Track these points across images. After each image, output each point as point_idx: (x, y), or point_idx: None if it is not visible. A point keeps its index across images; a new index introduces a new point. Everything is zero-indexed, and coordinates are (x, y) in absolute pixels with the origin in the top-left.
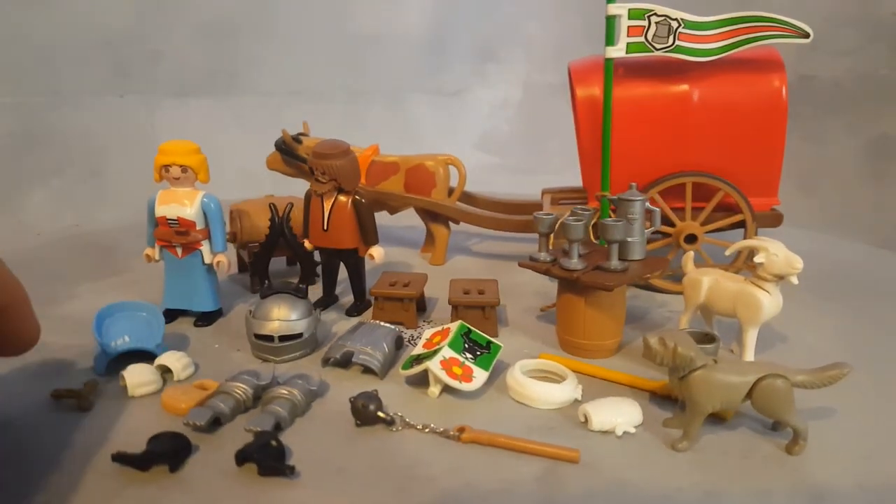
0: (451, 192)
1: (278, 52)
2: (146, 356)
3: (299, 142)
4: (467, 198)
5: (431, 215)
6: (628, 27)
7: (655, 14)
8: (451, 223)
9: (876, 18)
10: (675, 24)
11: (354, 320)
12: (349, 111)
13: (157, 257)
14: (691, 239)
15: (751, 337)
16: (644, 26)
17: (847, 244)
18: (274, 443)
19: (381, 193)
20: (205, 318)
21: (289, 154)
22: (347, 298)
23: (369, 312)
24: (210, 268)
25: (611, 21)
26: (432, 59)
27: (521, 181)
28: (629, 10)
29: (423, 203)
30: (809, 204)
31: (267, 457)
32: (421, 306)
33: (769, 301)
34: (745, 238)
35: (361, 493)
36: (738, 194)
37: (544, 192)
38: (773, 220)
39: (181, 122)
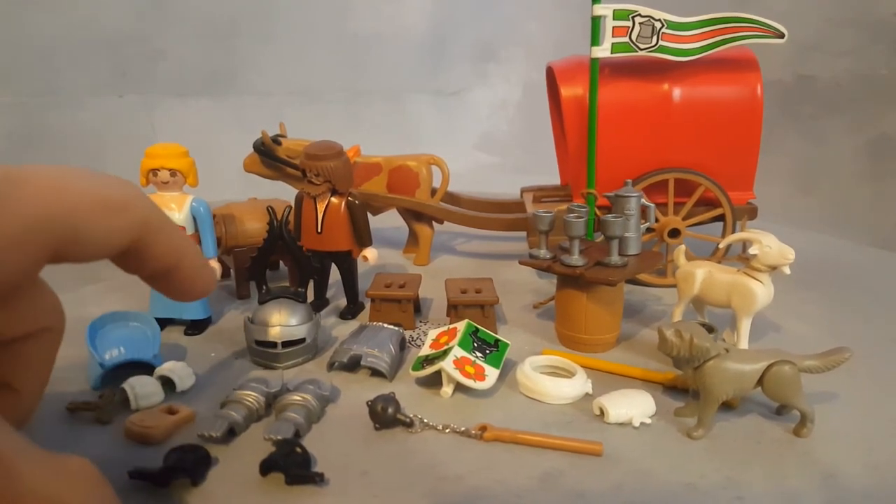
0: (434, 192)
1: (278, 52)
2: (141, 367)
3: (278, 143)
4: (450, 197)
5: (415, 215)
6: (613, 28)
7: (639, 15)
8: (434, 223)
9: (876, 18)
10: (658, 25)
11: (351, 323)
12: (349, 111)
13: None
14: (674, 233)
15: (745, 326)
16: (628, 27)
17: (843, 243)
18: (298, 450)
19: (364, 194)
20: (195, 327)
21: (268, 156)
22: (337, 301)
23: (364, 314)
24: None
25: (596, 22)
26: (432, 59)
27: (520, 181)
28: (614, 10)
29: (407, 203)
30: (809, 203)
31: (293, 465)
32: (416, 307)
33: (763, 291)
34: (723, 231)
35: (392, 495)
36: (718, 189)
37: (524, 191)
38: (749, 213)
39: (181, 122)
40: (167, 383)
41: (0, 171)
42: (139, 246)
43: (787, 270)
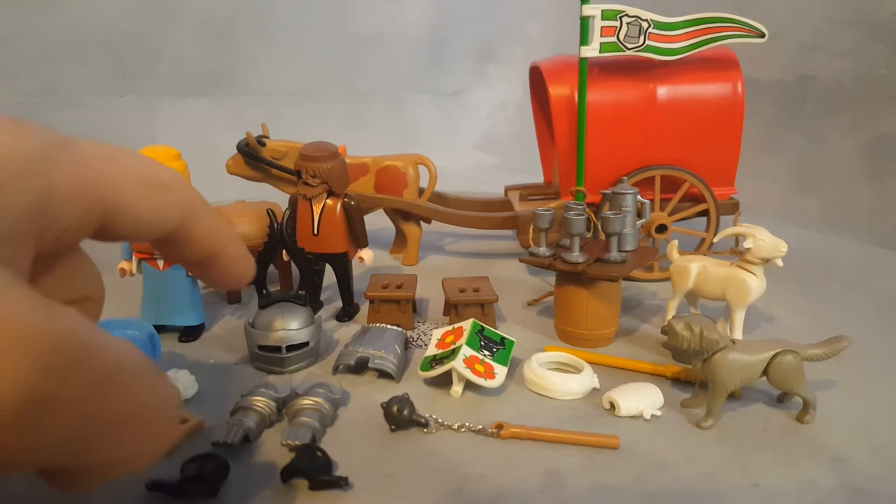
0: (421, 192)
1: (278, 52)
2: None
3: (262, 144)
4: (437, 197)
5: (403, 215)
6: (601, 27)
7: (627, 15)
8: (422, 223)
9: (876, 18)
10: (645, 25)
11: (349, 325)
12: (349, 111)
13: (134, 271)
14: (661, 229)
15: (739, 317)
16: (616, 27)
17: (843, 242)
18: (319, 454)
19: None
20: (189, 333)
21: (252, 157)
22: (330, 304)
23: (360, 316)
24: (193, 280)
25: (585, 22)
26: (432, 59)
27: (520, 181)
28: (602, 11)
29: (396, 203)
30: (809, 203)
31: (316, 470)
32: (413, 307)
33: (756, 283)
34: (707, 226)
35: (420, 496)
36: (703, 185)
37: (508, 189)
38: (731, 208)
39: (181, 122)
40: None
41: (59, 135)
42: (183, 229)
43: (779, 263)
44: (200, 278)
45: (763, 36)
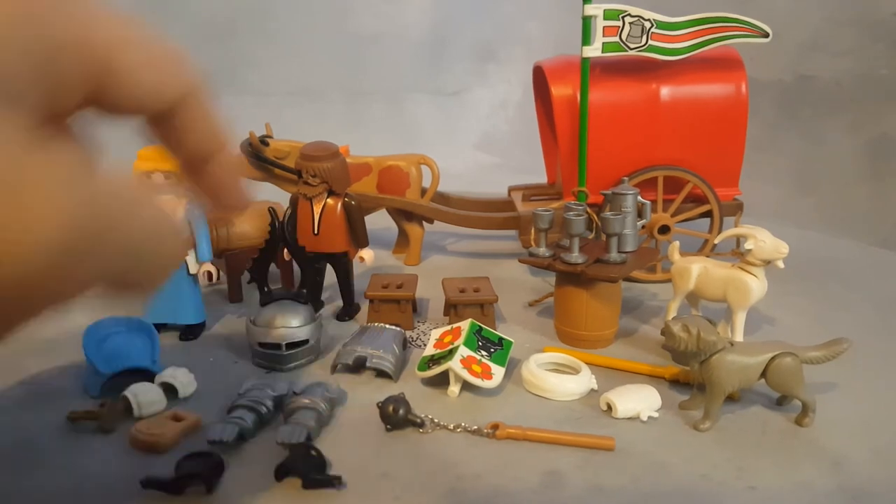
0: (423, 191)
1: (278, 52)
2: (140, 374)
3: (266, 144)
4: (440, 197)
5: (405, 215)
6: (604, 27)
7: (629, 15)
8: (424, 223)
9: (876, 18)
10: (647, 25)
11: (349, 325)
12: (349, 111)
13: None
14: (664, 230)
15: (740, 319)
16: (618, 27)
17: (843, 242)
18: (314, 453)
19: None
20: (190, 332)
21: (256, 157)
22: (331, 304)
23: (360, 316)
24: (195, 278)
25: (587, 21)
26: (432, 59)
27: (520, 181)
28: (604, 10)
29: (398, 203)
30: (809, 203)
31: (310, 469)
32: (413, 307)
33: (758, 285)
34: (710, 227)
35: (415, 496)
36: (706, 186)
37: (511, 190)
38: (734, 209)
39: None
40: (169, 390)
41: None
42: (183, 109)
43: (780, 264)
44: (200, 186)
45: (767, 36)
